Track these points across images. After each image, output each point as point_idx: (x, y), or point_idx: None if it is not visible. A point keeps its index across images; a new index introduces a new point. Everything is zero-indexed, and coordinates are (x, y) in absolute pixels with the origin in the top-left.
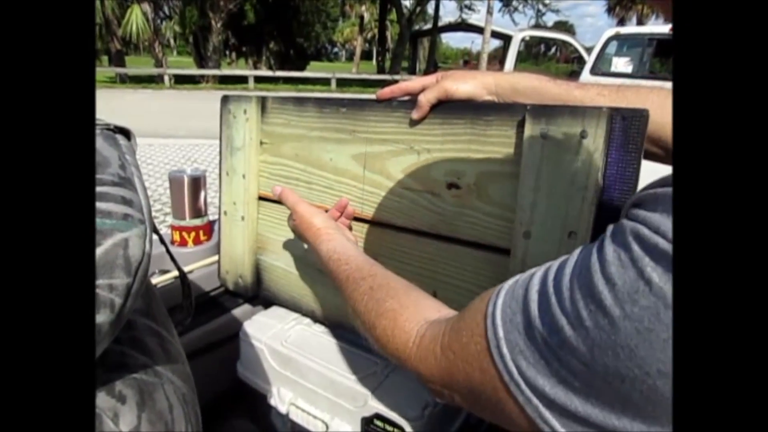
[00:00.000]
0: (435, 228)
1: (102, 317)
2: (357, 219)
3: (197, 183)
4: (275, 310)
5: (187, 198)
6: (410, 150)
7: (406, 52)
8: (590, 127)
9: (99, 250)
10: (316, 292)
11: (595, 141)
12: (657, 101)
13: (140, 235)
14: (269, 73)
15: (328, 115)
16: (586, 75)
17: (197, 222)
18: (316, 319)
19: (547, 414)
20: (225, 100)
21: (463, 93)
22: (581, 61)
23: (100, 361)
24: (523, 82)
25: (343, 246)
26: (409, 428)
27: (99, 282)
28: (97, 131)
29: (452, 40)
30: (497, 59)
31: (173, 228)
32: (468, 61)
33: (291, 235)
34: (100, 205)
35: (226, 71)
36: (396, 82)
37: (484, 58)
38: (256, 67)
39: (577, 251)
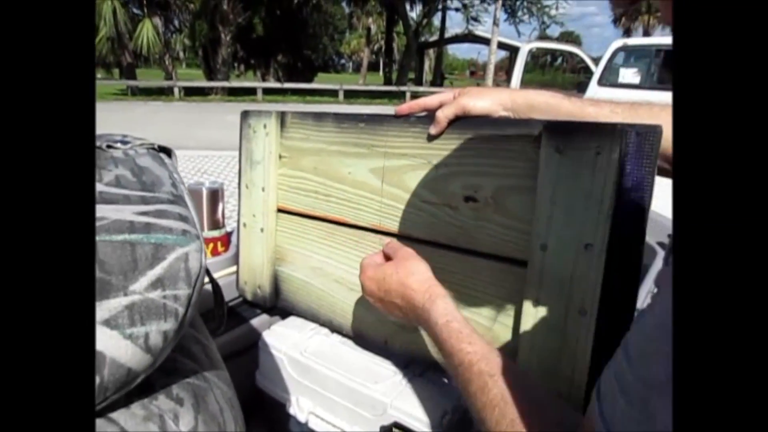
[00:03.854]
0: (453, 240)
1: (168, 325)
2: (375, 231)
3: (216, 195)
4: (293, 321)
5: (205, 210)
6: (428, 164)
7: (413, 64)
8: (605, 143)
9: (163, 264)
10: (334, 302)
11: (610, 157)
12: (669, 119)
13: (197, 249)
14: (277, 85)
15: (347, 129)
16: (593, 86)
17: (215, 233)
18: (333, 329)
19: None
20: (245, 115)
21: (480, 109)
22: (588, 71)
23: (158, 367)
24: (538, 99)
25: (457, 313)
26: None
27: (165, 293)
28: (143, 151)
29: (458, 51)
30: (504, 69)
31: None
32: (474, 71)
33: (309, 247)
34: (160, 221)
35: (235, 83)
36: (403, 93)
37: (491, 69)
38: (264, 79)
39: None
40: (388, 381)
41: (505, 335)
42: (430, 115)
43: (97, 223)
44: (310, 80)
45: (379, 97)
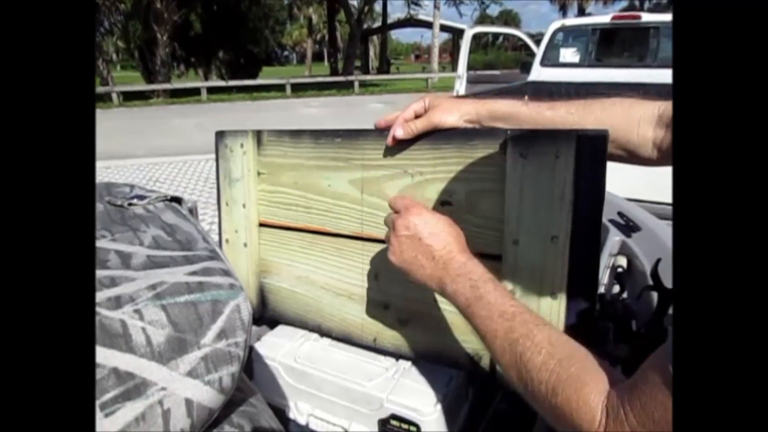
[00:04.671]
0: None
1: (234, 368)
2: (357, 238)
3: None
4: (282, 329)
5: None
6: (404, 173)
7: (358, 52)
8: (562, 149)
9: (222, 317)
10: (321, 308)
11: (567, 160)
12: (620, 112)
13: (245, 298)
14: (222, 83)
15: (324, 145)
16: (537, 66)
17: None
18: (322, 334)
19: None
20: (221, 135)
21: (449, 124)
22: (527, 49)
23: None
24: (500, 109)
25: (484, 270)
26: (424, 423)
27: (228, 341)
28: (161, 205)
29: (402, 36)
30: (447, 51)
31: None
32: (419, 55)
33: (293, 257)
34: (210, 279)
35: (177, 84)
36: (351, 83)
37: (435, 52)
38: (207, 78)
39: None
40: (381, 377)
41: None
42: None
43: (160, 288)
44: (254, 76)
45: (327, 88)
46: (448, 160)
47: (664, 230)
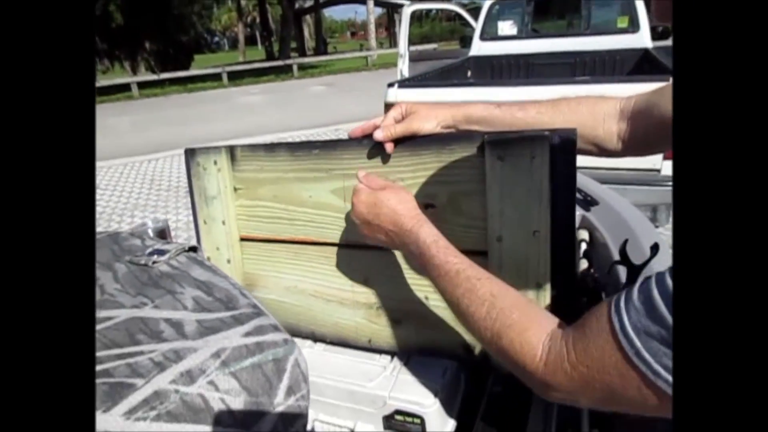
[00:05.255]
0: None
1: (303, 420)
2: (343, 245)
3: (163, 234)
4: None
5: None
6: (386, 180)
7: (293, 33)
8: (536, 150)
9: (286, 374)
10: (314, 315)
11: (542, 160)
12: (587, 109)
13: (299, 350)
14: (153, 77)
15: (301, 157)
16: (476, 41)
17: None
18: (316, 340)
19: None
20: (191, 153)
21: (427, 131)
22: (462, 18)
23: None
24: (475, 113)
25: (440, 234)
26: (427, 414)
27: (296, 396)
28: (183, 258)
29: (335, 13)
30: (383, 26)
31: None
32: (354, 32)
33: (279, 269)
34: (265, 338)
35: (105, 81)
36: (290, 67)
37: (372, 29)
38: (135, 72)
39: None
40: (380, 376)
41: None
42: None
43: (223, 355)
44: (186, 66)
45: (265, 73)
46: (428, 165)
47: (620, 202)
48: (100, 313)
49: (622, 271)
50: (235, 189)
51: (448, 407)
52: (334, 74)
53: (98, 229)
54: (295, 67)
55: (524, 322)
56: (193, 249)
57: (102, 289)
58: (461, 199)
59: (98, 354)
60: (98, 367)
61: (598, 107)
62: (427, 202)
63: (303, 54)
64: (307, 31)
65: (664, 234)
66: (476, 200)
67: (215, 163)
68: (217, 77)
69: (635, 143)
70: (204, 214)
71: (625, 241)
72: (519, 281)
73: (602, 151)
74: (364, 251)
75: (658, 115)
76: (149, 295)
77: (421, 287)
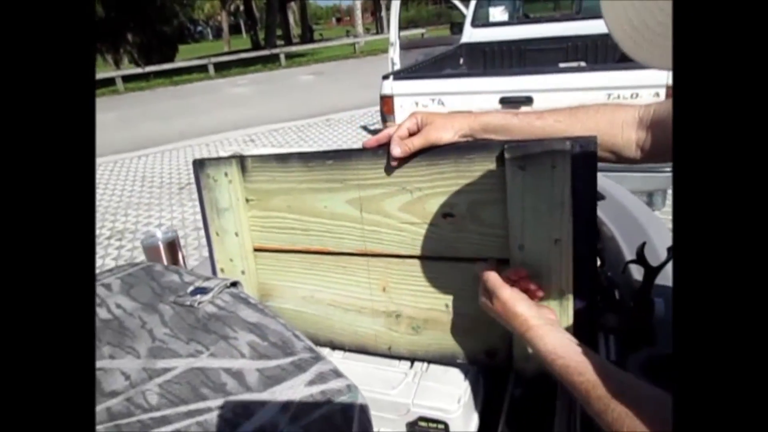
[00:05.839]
0: (437, 252)
1: None
2: (361, 255)
3: (173, 246)
4: None
5: (165, 262)
6: (403, 190)
7: (278, 20)
8: (558, 159)
9: (355, 423)
10: (331, 324)
11: (564, 169)
12: (605, 117)
13: (361, 394)
14: (138, 70)
15: (315, 168)
16: (468, 28)
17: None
18: (334, 348)
19: None
20: (201, 165)
21: (445, 141)
22: (448, 1)
23: None
24: (492, 122)
25: (561, 344)
26: (451, 420)
27: None
28: (228, 297)
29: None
30: (369, 11)
31: None
32: (340, 18)
33: (295, 279)
34: (329, 386)
35: None
36: (276, 56)
37: (358, 15)
38: (118, 66)
39: None
40: (402, 383)
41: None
42: None
43: (292, 409)
44: (171, 58)
45: (251, 63)
46: (446, 174)
47: (626, 196)
48: (158, 364)
49: (635, 270)
50: (247, 200)
51: (471, 412)
52: (322, 62)
53: (97, 231)
54: (282, 56)
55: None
56: (234, 284)
57: (151, 334)
58: (481, 209)
59: (166, 412)
60: (169, 428)
61: (616, 115)
62: (445, 211)
63: (289, 42)
64: (293, 18)
65: (661, 217)
66: (496, 209)
67: (226, 174)
68: (203, 69)
69: (654, 152)
70: (216, 226)
71: (643, 244)
72: (541, 289)
73: (620, 159)
74: (382, 259)
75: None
76: (202, 342)
77: (440, 295)
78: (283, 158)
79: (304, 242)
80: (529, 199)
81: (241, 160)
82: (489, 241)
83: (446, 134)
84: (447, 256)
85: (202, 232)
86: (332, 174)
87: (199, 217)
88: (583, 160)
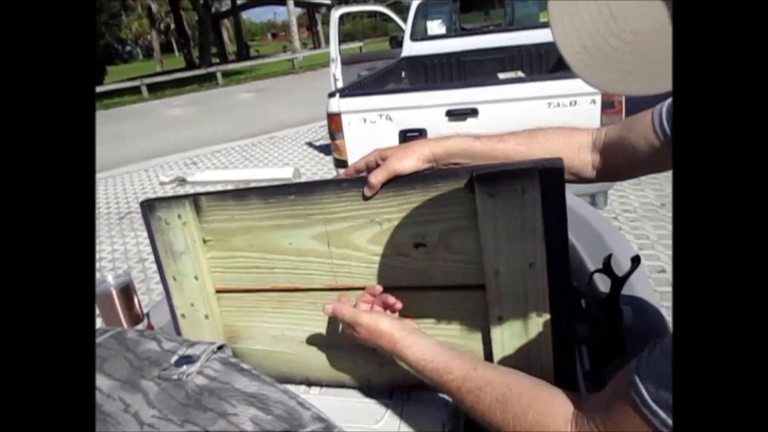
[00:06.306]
0: (411, 282)
1: None
2: (332, 289)
3: (128, 291)
4: None
5: (120, 310)
6: (371, 222)
7: (212, 38)
8: (527, 184)
9: None
10: (307, 361)
11: (533, 194)
12: (563, 140)
13: None
14: None
15: (276, 204)
16: (408, 42)
17: (139, 328)
18: (311, 385)
19: None
20: (150, 207)
21: (409, 169)
22: (382, 14)
23: None
24: (455, 147)
25: (428, 350)
26: None
27: None
28: (217, 365)
29: (254, 15)
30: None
31: None
32: (275, 33)
33: (264, 318)
34: None
35: None
36: (213, 75)
37: (294, 30)
38: None
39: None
40: (386, 416)
41: (478, 347)
42: (361, 178)
43: None
44: (100, 80)
45: (187, 83)
46: (414, 203)
47: (579, 204)
48: None
49: (600, 280)
50: (204, 241)
51: None
52: (260, 79)
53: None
54: (219, 75)
55: (541, 419)
56: (221, 348)
57: (138, 418)
58: (453, 236)
59: None
60: None
61: (573, 138)
62: (417, 241)
63: (225, 60)
64: (227, 35)
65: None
66: (468, 236)
67: (179, 216)
68: (135, 90)
69: (607, 172)
70: (172, 270)
71: (609, 256)
72: (518, 312)
73: (579, 179)
74: (355, 293)
75: (629, 148)
76: (198, 422)
77: (419, 322)
78: (240, 195)
79: (271, 281)
80: (501, 225)
81: (194, 199)
82: (463, 268)
83: (408, 162)
84: (421, 285)
85: (147, 264)
86: (295, 209)
87: (142, 248)
88: (551, 182)
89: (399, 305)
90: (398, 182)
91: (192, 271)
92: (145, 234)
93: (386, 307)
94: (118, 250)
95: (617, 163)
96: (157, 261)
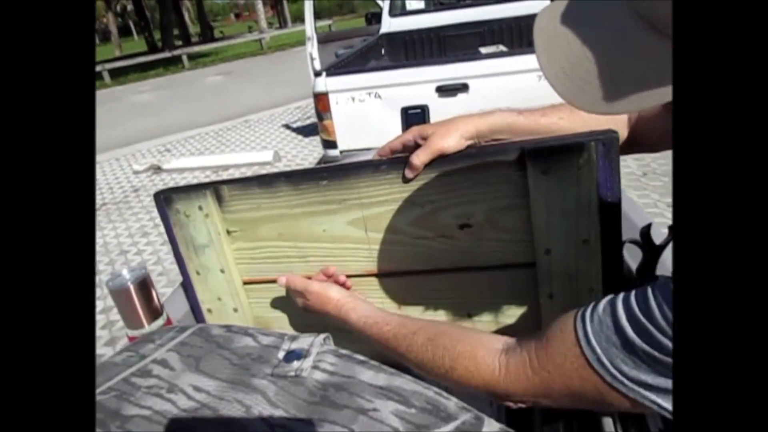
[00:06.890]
0: (455, 263)
1: None
2: (369, 275)
3: (146, 286)
4: None
5: (139, 305)
6: (412, 205)
7: (173, 19)
8: (583, 159)
9: None
10: (343, 348)
11: (589, 169)
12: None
13: None
14: None
15: (308, 190)
16: (386, 18)
17: (159, 323)
18: None
19: (651, 395)
20: (166, 199)
21: (453, 148)
22: None
23: None
24: (498, 122)
25: (370, 310)
26: None
27: None
28: (330, 357)
29: None
30: (269, 5)
31: (131, 340)
32: (239, 13)
33: (290, 306)
34: None
35: None
36: (179, 58)
37: (260, 8)
38: None
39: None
40: None
41: (527, 326)
42: (399, 158)
43: None
44: None
45: (152, 67)
46: (461, 183)
47: None
48: None
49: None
50: (229, 232)
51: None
52: (228, 62)
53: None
54: (185, 58)
55: (470, 349)
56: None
57: (268, 423)
58: (500, 215)
59: None
60: None
61: None
62: (462, 222)
63: (188, 42)
64: (188, 16)
65: None
66: (517, 214)
67: (200, 208)
68: (97, 76)
69: (639, 143)
70: (195, 265)
71: (649, 225)
72: (570, 290)
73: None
74: (394, 278)
75: (660, 121)
76: (338, 420)
77: (462, 305)
78: (267, 182)
79: (303, 269)
80: (555, 202)
81: (215, 189)
82: (511, 247)
83: (452, 140)
84: (466, 266)
85: (129, 256)
86: (328, 195)
87: (122, 239)
88: (606, 156)
89: (349, 284)
90: (441, 162)
91: (217, 264)
92: (124, 225)
93: (339, 284)
94: (97, 243)
95: (648, 135)
96: (176, 255)
